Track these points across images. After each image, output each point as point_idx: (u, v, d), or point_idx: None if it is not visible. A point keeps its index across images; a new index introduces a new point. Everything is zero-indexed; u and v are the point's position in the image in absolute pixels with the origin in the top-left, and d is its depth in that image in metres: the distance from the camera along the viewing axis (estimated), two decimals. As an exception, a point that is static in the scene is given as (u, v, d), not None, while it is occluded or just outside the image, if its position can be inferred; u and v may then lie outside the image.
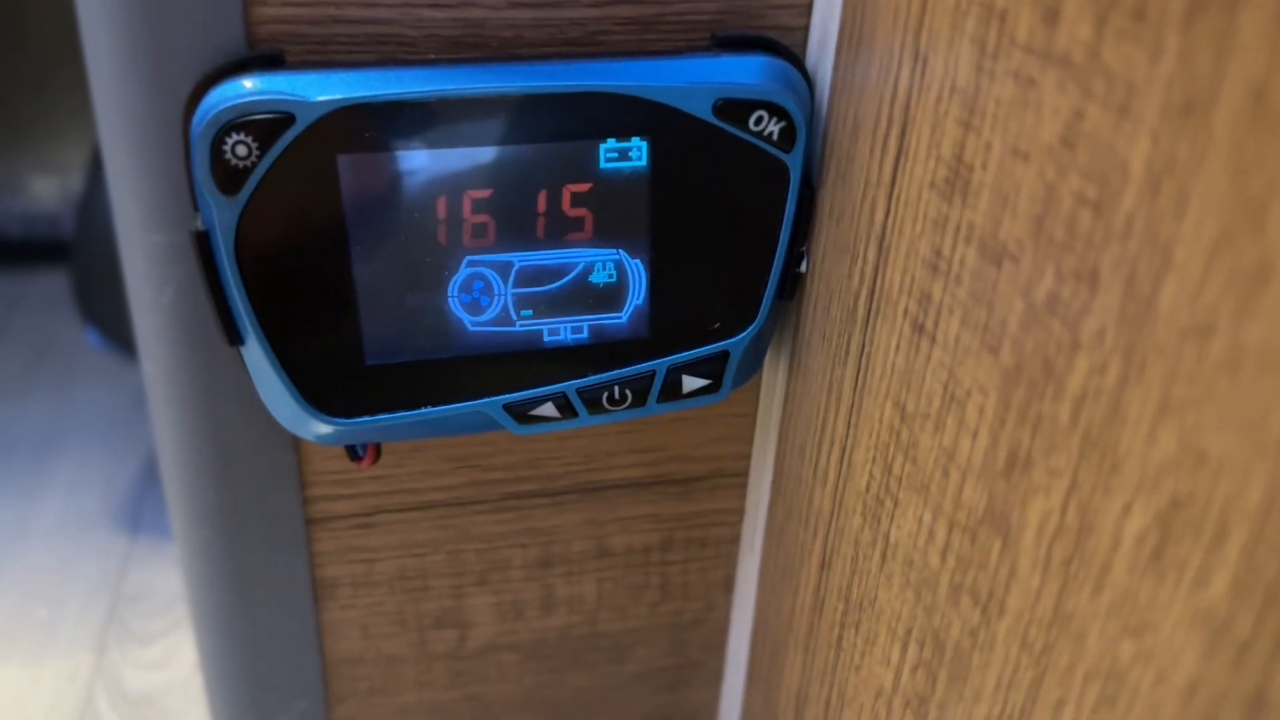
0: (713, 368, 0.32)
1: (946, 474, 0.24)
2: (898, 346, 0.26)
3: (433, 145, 0.28)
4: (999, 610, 0.23)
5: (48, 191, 0.85)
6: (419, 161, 0.28)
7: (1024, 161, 0.21)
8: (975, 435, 0.23)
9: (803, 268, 0.31)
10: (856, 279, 0.28)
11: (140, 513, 0.69)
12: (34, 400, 0.75)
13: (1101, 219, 0.19)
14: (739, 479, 0.38)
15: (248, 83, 0.26)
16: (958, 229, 0.23)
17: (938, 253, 0.24)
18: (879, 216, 0.26)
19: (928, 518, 0.25)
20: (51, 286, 0.78)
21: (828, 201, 0.30)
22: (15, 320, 0.79)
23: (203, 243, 0.28)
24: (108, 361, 0.70)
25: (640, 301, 0.31)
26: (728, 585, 0.41)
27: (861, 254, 0.28)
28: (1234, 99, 0.16)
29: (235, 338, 0.29)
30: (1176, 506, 0.17)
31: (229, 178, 0.27)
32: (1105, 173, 0.18)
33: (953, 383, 0.24)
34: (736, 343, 0.32)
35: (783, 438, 0.35)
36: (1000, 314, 0.22)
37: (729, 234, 0.30)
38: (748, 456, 0.38)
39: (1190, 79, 0.16)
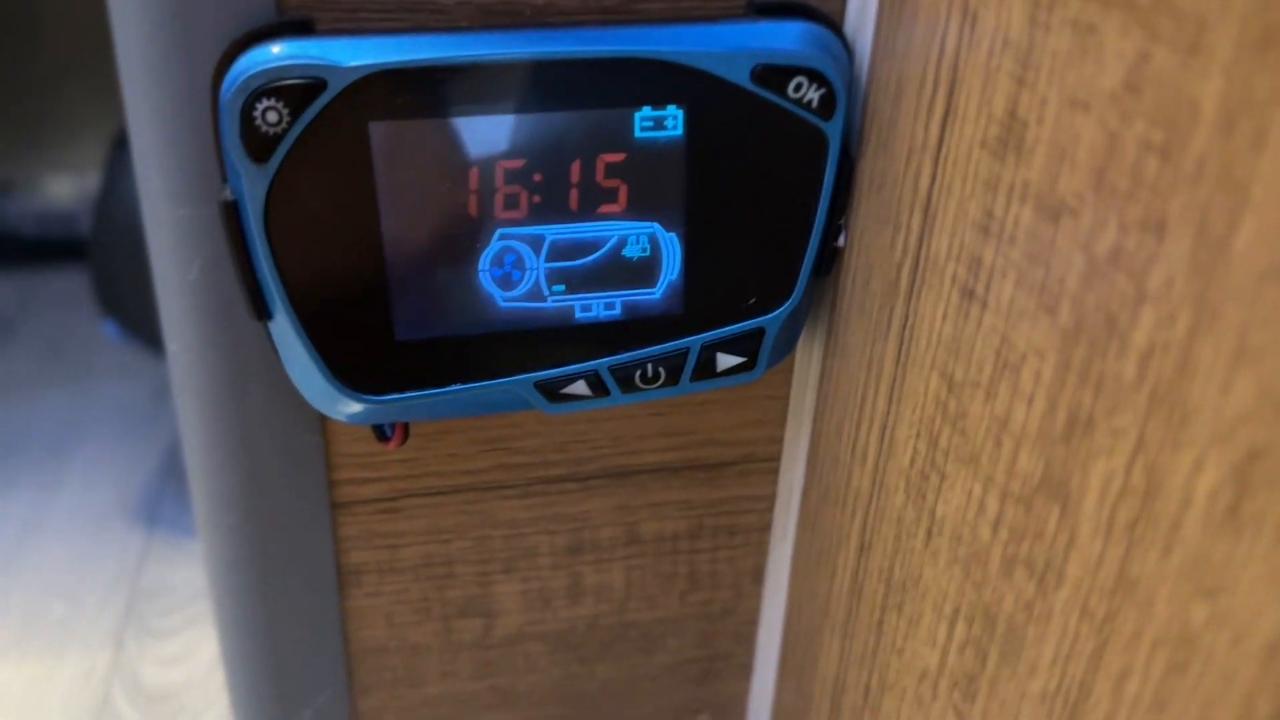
0: (748, 345, 0.31)
1: (999, 443, 0.23)
2: (945, 315, 0.25)
3: (466, 113, 0.27)
4: (1056, 580, 0.22)
5: (62, 190, 0.85)
6: (452, 130, 0.27)
7: (1083, 112, 0.20)
8: (1031, 401, 0.22)
9: (840, 241, 0.31)
10: (900, 249, 0.27)
11: (158, 508, 0.68)
12: (49, 396, 0.75)
13: (1170, 164, 0.18)
14: (771, 464, 0.37)
15: (278, 48, 0.26)
16: (1011, 188, 0.22)
17: (989, 214, 0.23)
18: (924, 182, 0.26)
19: (978, 490, 0.24)
20: (66, 285, 0.78)
21: (868, 172, 0.29)
22: (31, 318, 0.79)
23: (231, 213, 0.27)
24: (123, 357, 0.70)
25: (674, 277, 0.30)
26: (757, 575, 0.40)
27: (905, 224, 0.27)
28: (1319, 26, 0.15)
29: (264, 312, 0.28)
30: (1254, 458, 0.17)
31: (259, 145, 0.26)
32: (1173, 115, 0.18)
33: (1005, 347, 0.23)
34: (772, 319, 0.31)
35: (818, 419, 0.34)
36: (1059, 272, 0.21)
37: (766, 206, 0.30)
38: (780, 441, 0.37)
39: (1267, 10, 0.16)
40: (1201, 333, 0.18)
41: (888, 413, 0.29)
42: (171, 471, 0.70)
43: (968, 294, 0.24)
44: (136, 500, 0.68)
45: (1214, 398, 0.17)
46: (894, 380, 0.28)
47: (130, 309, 0.64)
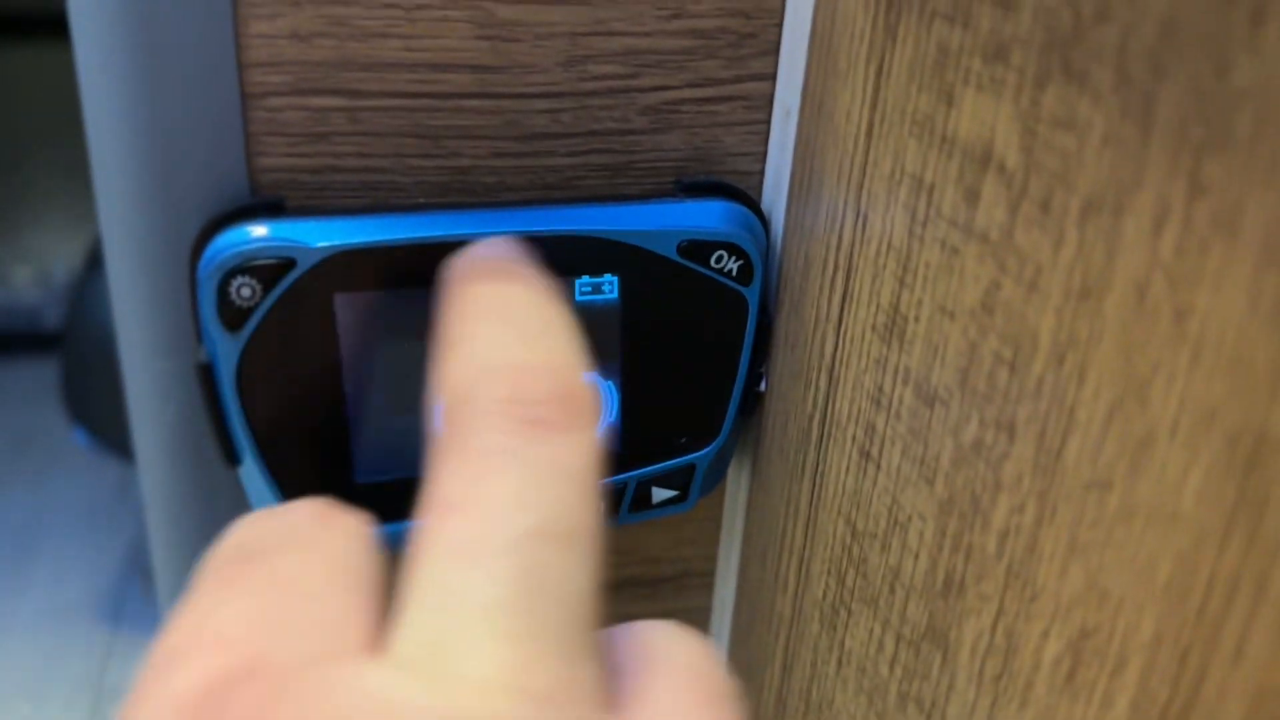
0: (680, 479, 0.34)
1: (893, 590, 0.27)
2: (848, 469, 0.29)
3: (423, 283, 0.30)
4: (941, 719, 0.25)
5: (26, 281, 0.86)
6: (410, 298, 0.30)
7: (950, 319, 0.23)
8: (917, 557, 0.25)
9: (762, 387, 0.34)
10: (810, 403, 0.31)
11: (122, 605, 0.70)
12: (14, 492, 0.76)
13: (1016, 377, 0.21)
14: (706, 579, 0.40)
15: (252, 230, 0.29)
16: (896, 370, 0.26)
17: (880, 389, 0.27)
18: (828, 349, 0.29)
19: (878, 629, 0.27)
20: (30, 377, 0.79)
21: (783, 329, 0.32)
22: (-6, 411, 0.81)
23: (206, 374, 0.30)
24: (87, 454, 0.71)
25: (612, 419, 0.33)
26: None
27: (814, 382, 0.30)
28: (1122, 290, 0.18)
29: (234, 459, 0.31)
30: (1085, 636, 0.20)
31: (233, 316, 0.29)
32: (1019, 338, 0.21)
33: (896, 507, 0.26)
34: (702, 456, 0.34)
35: (746, 543, 0.37)
36: (934, 450, 0.24)
37: (694, 358, 0.33)
38: (714, 558, 0.40)
39: (1087, 268, 0.19)
40: (1045, 524, 0.21)
41: (804, 547, 0.32)
42: (135, 567, 0.71)
43: (865, 454, 0.28)
44: (101, 597, 0.69)
45: (1055, 581, 0.21)
46: (808, 519, 0.31)
47: (100, 418, 0.65)
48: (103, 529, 0.74)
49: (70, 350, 0.65)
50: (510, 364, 0.21)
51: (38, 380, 0.75)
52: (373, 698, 0.17)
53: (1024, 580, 0.21)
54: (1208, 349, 0.17)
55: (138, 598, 0.70)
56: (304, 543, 0.21)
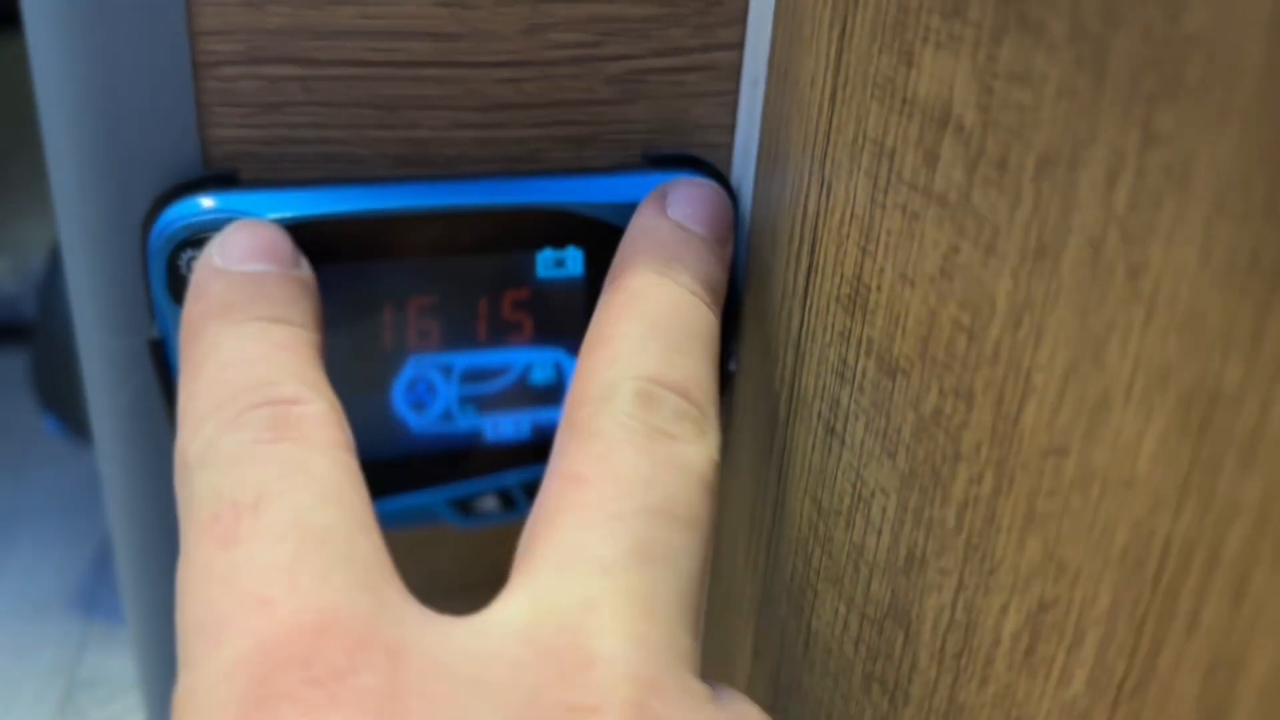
0: (649, 460, 0.34)
1: (857, 568, 0.26)
2: (813, 446, 0.28)
3: (379, 257, 0.29)
4: (904, 699, 0.24)
5: (4, 271, 0.86)
6: (366, 271, 0.29)
7: (910, 287, 0.23)
8: (880, 534, 0.25)
9: (732, 366, 0.33)
10: (778, 381, 0.30)
11: (95, 595, 0.69)
12: (-11, 483, 0.76)
13: (974, 344, 0.21)
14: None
15: (203, 201, 0.28)
16: (859, 342, 0.25)
17: (844, 362, 0.26)
18: (794, 325, 0.28)
19: (842, 609, 0.27)
20: (8, 367, 0.78)
21: (751, 306, 0.32)
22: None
23: (158, 350, 0.29)
24: (58, 444, 0.70)
25: (578, 399, 0.32)
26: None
27: (781, 358, 0.30)
28: (1077, 248, 0.18)
29: (189, 438, 0.30)
30: (1043, 609, 0.19)
31: (184, 291, 0.28)
32: (977, 303, 0.20)
33: (859, 483, 0.25)
34: (671, 437, 0.33)
35: (719, 527, 0.36)
36: (896, 423, 0.24)
37: (661, 336, 0.32)
38: (687, 541, 0.39)
39: (1043, 226, 0.19)
40: (1002, 495, 0.20)
41: (772, 528, 0.31)
42: (109, 558, 0.71)
43: (830, 430, 0.27)
44: (75, 588, 0.69)
45: (1013, 553, 0.20)
46: (776, 499, 0.31)
47: (69, 405, 0.65)
48: (78, 520, 0.73)
49: (39, 337, 0.64)
50: (648, 376, 0.23)
51: (15, 371, 0.75)
52: (498, 657, 0.19)
53: (982, 553, 0.21)
54: (1161, 306, 0.16)
55: (110, 588, 0.69)
56: None
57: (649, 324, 0.25)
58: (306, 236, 0.28)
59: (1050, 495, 0.19)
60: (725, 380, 0.34)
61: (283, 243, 0.27)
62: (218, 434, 0.22)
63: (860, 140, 0.24)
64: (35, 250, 0.83)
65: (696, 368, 0.25)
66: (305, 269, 0.27)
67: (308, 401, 0.23)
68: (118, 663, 0.65)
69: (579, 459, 0.22)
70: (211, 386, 0.23)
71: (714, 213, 0.29)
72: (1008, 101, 0.19)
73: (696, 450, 0.23)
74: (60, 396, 0.64)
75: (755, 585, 0.33)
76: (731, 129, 0.32)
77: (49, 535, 0.71)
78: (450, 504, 0.33)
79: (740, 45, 0.31)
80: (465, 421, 0.32)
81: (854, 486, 0.26)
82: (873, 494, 0.25)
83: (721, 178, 0.31)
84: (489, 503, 0.33)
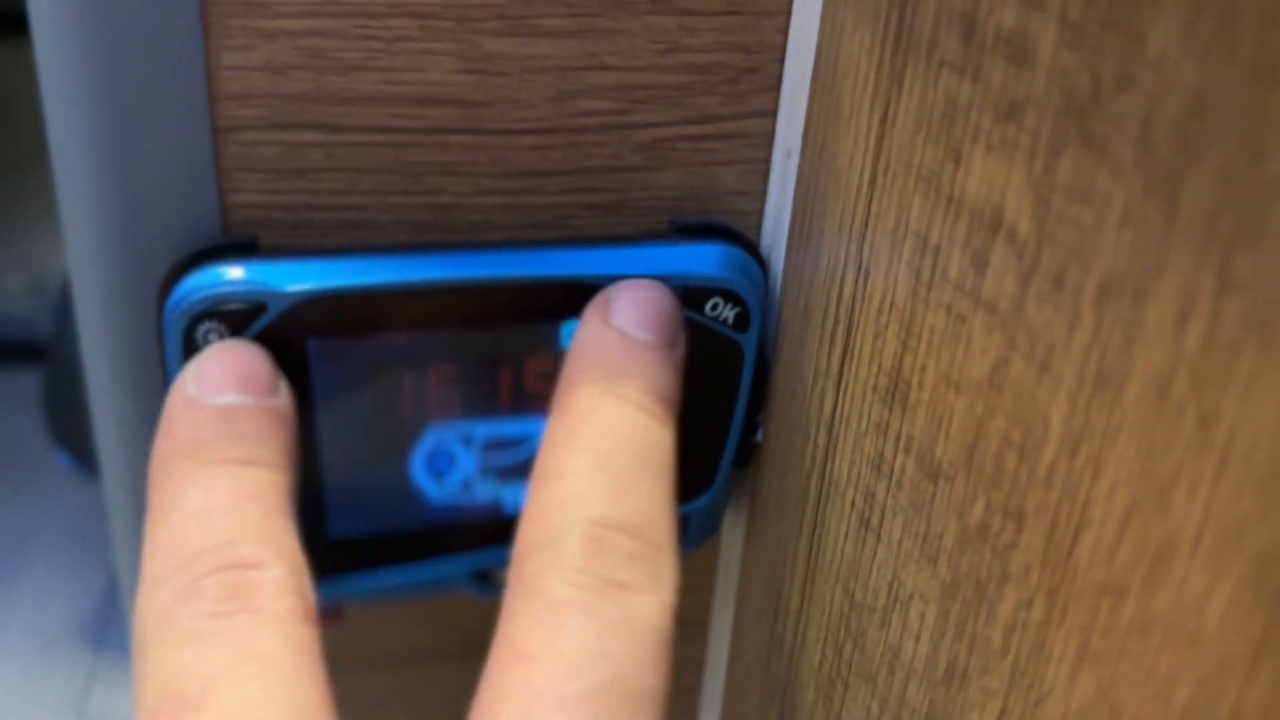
0: (672, 531, 0.33)
1: (892, 670, 0.25)
2: (846, 534, 0.27)
3: (400, 327, 0.29)
4: (939, 813, 0.23)
5: (19, 290, 0.85)
6: (387, 341, 0.29)
7: (955, 391, 0.22)
8: (918, 639, 0.24)
9: (758, 437, 0.32)
10: (808, 459, 0.29)
11: (105, 630, 0.69)
12: (1, 509, 0.75)
13: (1026, 463, 0.20)
14: (700, 628, 0.38)
15: (221, 272, 0.27)
16: (898, 438, 0.24)
17: (881, 455, 0.25)
18: (828, 406, 0.28)
19: (875, 709, 0.26)
20: (20, 387, 0.78)
21: (781, 378, 0.31)
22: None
23: (173, 421, 0.28)
24: (70, 475, 0.70)
25: (601, 469, 0.32)
26: (689, 726, 0.41)
27: (813, 437, 0.29)
28: (1142, 384, 0.17)
29: (203, 509, 0.30)
30: (1096, 751, 0.18)
31: (200, 363, 0.27)
32: (1029, 421, 0.20)
33: (896, 583, 0.25)
34: (695, 508, 0.32)
35: (741, 597, 0.35)
36: (937, 528, 0.23)
37: (687, 406, 0.31)
38: (708, 606, 0.38)
39: (1104, 354, 0.18)
40: (1054, 625, 0.19)
41: (800, 610, 0.30)
42: (119, 592, 0.70)
43: (864, 522, 0.26)
44: (85, 622, 0.68)
45: (1064, 685, 0.19)
46: (805, 581, 0.30)
47: (84, 441, 0.64)
48: (88, 551, 0.72)
49: (52, 369, 0.64)
50: (597, 519, 0.23)
51: (28, 392, 0.74)
52: None
53: (1030, 680, 0.20)
54: (1236, 460, 0.15)
55: (120, 622, 0.68)
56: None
57: (598, 456, 0.24)
58: (320, 309, 0.28)
59: (1106, 634, 0.18)
60: (750, 451, 0.33)
61: (261, 368, 0.26)
62: (174, 602, 0.21)
63: (902, 230, 0.23)
64: (51, 267, 0.83)
65: (649, 500, 0.24)
66: (282, 395, 0.26)
67: (268, 565, 0.22)
68: (126, 699, 0.64)
69: (524, 628, 0.22)
70: (172, 545, 0.22)
71: (660, 316, 0.27)
72: (1066, 218, 0.18)
73: (649, 602, 0.22)
74: (73, 432, 0.63)
75: (780, 665, 0.32)
76: (762, 196, 0.31)
77: (61, 563, 0.70)
78: (469, 575, 0.32)
79: (773, 113, 0.30)
80: (485, 491, 0.31)
81: (890, 585, 0.25)
82: (910, 597, 0.24)
83: (751, 247, 0.30)
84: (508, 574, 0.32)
